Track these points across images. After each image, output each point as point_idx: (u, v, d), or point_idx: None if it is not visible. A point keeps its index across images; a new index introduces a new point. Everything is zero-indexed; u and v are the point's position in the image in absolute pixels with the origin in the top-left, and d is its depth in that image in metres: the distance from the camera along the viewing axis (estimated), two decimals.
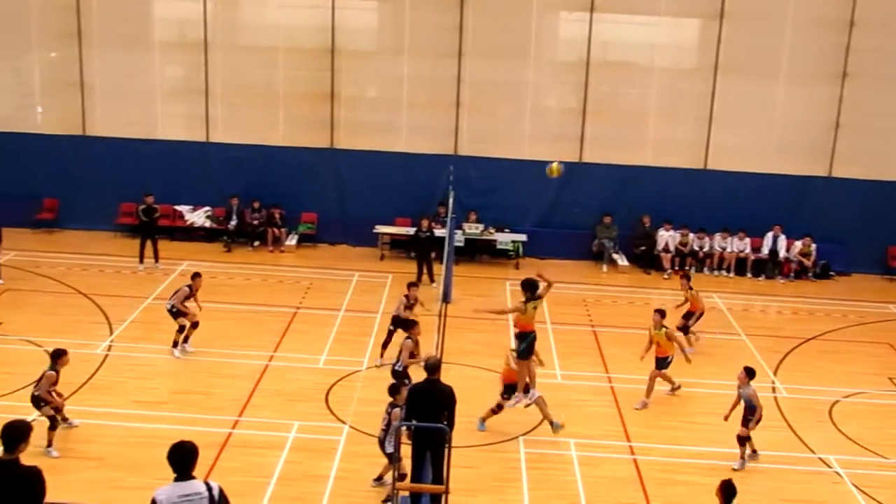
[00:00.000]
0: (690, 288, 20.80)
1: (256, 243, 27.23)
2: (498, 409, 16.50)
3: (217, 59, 27.55)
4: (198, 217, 27.78)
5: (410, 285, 19.64)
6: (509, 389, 16.51)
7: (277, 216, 27.26)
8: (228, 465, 14.69)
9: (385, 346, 19.18)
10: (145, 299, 22.31)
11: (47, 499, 9.34)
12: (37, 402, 15.09)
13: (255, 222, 27.26)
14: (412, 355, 16.64)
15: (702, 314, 20.71)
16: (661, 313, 17.93)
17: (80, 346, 19.27)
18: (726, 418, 16.02)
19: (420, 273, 24.63)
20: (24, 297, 22.46)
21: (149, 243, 24.83)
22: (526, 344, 16.26)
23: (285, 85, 27.71)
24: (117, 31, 27.58)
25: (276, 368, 18.83)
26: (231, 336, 20.30)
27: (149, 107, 28.12)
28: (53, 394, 15.22)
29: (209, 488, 8.88)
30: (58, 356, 15.27)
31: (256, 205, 27.24)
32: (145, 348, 19.52)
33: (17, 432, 9.27)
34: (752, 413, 15.55)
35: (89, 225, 27.85)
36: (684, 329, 20.49)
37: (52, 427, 15.04)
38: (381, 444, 14.14)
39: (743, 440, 15.68)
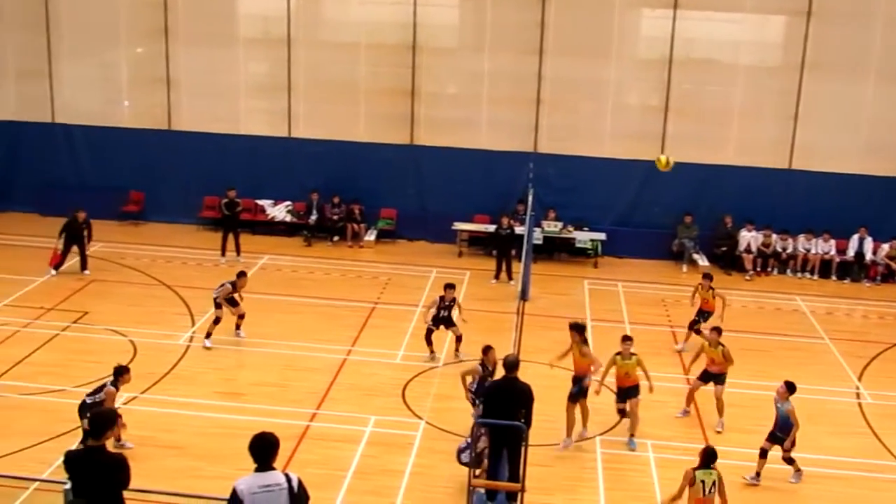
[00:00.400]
0: (711, 288, 20.44)
1: (336, 238, 27.45)
2: (620, 413, 16.49)
3: (300, 55, 27.83)
4: (279, 211, 28.09)
5: (447, 287, 19.64)
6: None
7: (357, 212, 27.45)
8: (306, 458, 14.86)
9: (429, 342, 19.33)
10: None
11: (130, 485, 9.57)
12: (84, 410, 14.42)
13: (335, 217, 27.48)
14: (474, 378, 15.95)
15: (710, 314, 20.38)
16: (719, 331, 17.24)
17: (163, 337, 19.71)
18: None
19: (499, 270, 24.65)
20: (109, 287, 22.95)
21: (231, 237, 25.24)
22: (579, 388, 16.06)
23: (366, 81, 27.88)
24: (203, 27, 28.05)
25: (354, 363, 19.00)
26: (310, 330, 20.51)
27: (232, 102, 28.51)
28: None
29: (288, 479, 8.98)
30: (120, 373, 14.80)
31: (336, 200, 27.47)
32: (226, 340, 19.81)
33: (104, 420, 9.51)
34: (783, 432, 14.81)
35: (173, 218, 28.37)
36: (692, 325, 20.35)
37: None
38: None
39: (764, 453, 15.09)
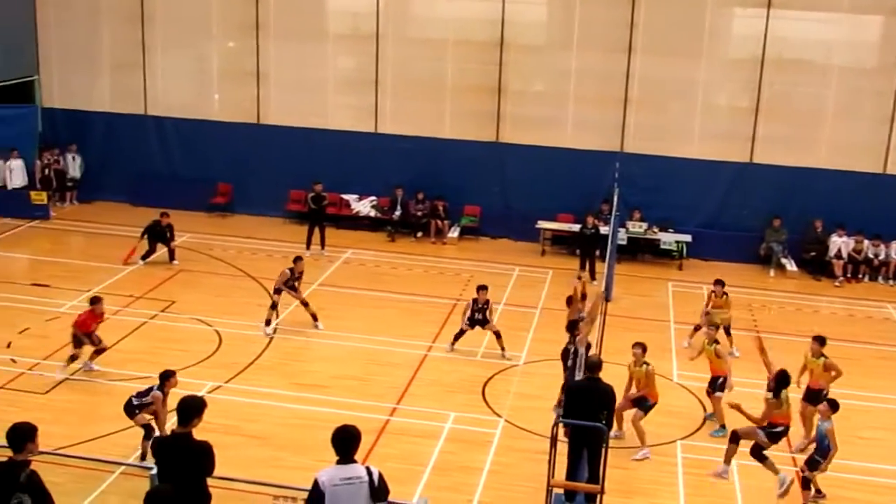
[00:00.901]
0: (725, 294, 19.96)
1: (419, 234, 27.59)
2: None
3: (387, 51, 27.99)
4: (363, 206, 28.29)
5: (480, 288, 19.62)
6: (713, 382, 16.76)
7: (441, 208, 27.53)
8: (386, 452, 14.97)
9: (455, 339, 19.50)
10: (311, 285, 22.82)
11: (214, 473, 9.75)
12: (131, 410, 14.61)
13: (419, 213, 27.61)
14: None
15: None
16: (821, 341, 16.53)
17: (248, 328, 20.02)
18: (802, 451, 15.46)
19: (582, 269, 24.53)
20: (196, 278, 23.37)
21: (316, 230, 25.51)
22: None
23: (453, 78, 27.93)
24: (293, 22, 28.36)
25: (435, 359, 19.08)
26: (391, 325, 20.64)
27: (321, 97, 28.79)
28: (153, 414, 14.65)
29: (369, 473, 9.06)
30: (167, 377, 14.59)
31: (421, 196, 27.59)
32: (309, 332, 20.07)
33: (192, 407, 9.69)
34: (822, 454, 14.03)
35: (260, 210, 28.77)
36: (697, 328, 19.91)
37: (147, 437, 14.35)
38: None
39: (807, 483, 14.30)
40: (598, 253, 24.51)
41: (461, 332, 19.38)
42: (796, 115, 26.73)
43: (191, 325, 20.07)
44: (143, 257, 23.87)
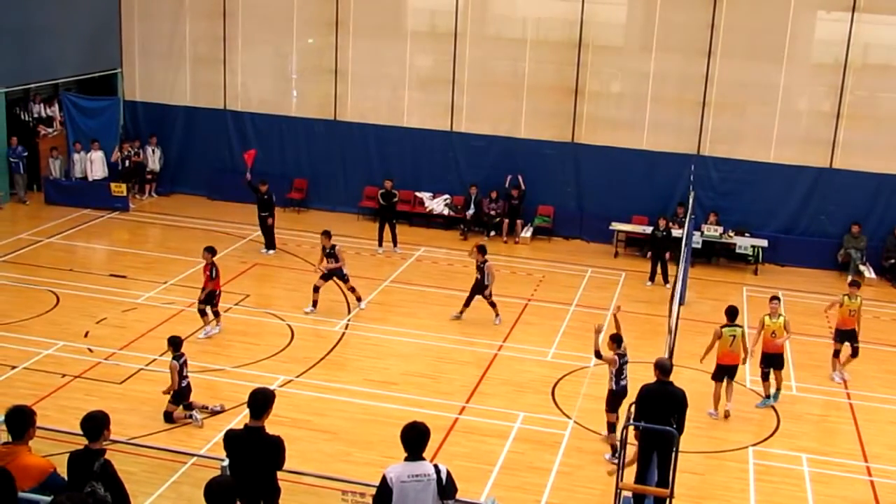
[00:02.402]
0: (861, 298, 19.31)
1: (492, 233, 27.55)
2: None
3: (465, 49, 28.00)
4: (437, 204, 28.32)
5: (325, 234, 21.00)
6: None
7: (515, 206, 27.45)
8: (454, 450, 14.99)
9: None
10: (383, 282, 23.03)
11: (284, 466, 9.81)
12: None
13: (493, 212, 27.57)
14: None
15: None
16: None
17: (320, 323, 20.19)
18: None
19: (653, 272, 24.32)
20: (271, 272, 23.65)
21: (387, 227, 25.60)
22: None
23: (530, 77, 27.83)
24: (372, 20, 28.53)
25: (505, 358, 19.04)
26: (462, 323, 20.65)
27: (397, 94, 28.93)
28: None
29: (437, 470, 9.05)
30: (177, 346, 15.84)
31: (494, 195, 27.54)
32: (380, 329, 20.16)
33: (264, 400, 9.75)
34: None
35: (334, 206, 29.01)
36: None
37: (175, 401, 15.77)
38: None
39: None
40: (669, 255, 24.26)
41: (316, 288, 20.75)
42: (879, 121, 26.24)
43: (264, 318, 20.29)
44: (267, 246, 24.85)
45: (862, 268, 25.63)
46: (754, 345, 17.54)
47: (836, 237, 26.13)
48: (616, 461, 13.77)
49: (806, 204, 26.45)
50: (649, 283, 24.25)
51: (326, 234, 20.99)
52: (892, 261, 25.55)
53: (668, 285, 23.77)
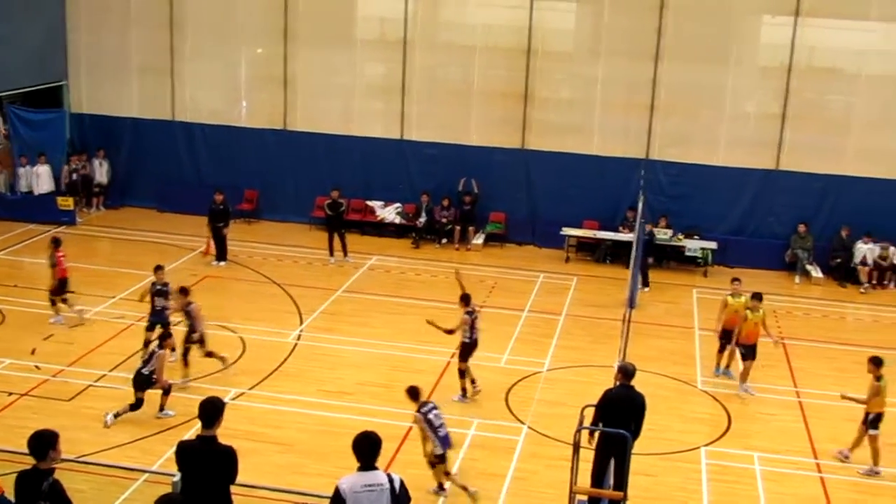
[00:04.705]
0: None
1: (444, 241, 27.59)
2: None
3: (415, 57, 28.02)
4: (388, 213, 28.33)
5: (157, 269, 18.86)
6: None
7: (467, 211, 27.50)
8: (408, 459, 14.92)
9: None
10: (335, 291, 22.98)
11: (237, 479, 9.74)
12: (141, 382, 15.98)
13: (444, 220, 27.60)
14: None
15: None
16: (877, 362, 15.64)
17: (272, 334, 20.07)
18: None
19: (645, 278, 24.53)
20: (222, 283, 23.54)
21: (336, 237, 25.52)
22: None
23: (480, 84, 27.92)
24: (321, 29, 28.43)
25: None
26: (416, 331, 20.55)
27: (347, 103, 28.86)
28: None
29: (391, 480, 9.05)
30: (165, 338, 16.41)
31: (446, 202, 27.58)
32: (333, 339, 20.10)
33: (215, 408, 9.66)
34: None
35: (286, 216, 28.91)
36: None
37: (168, 392, 16.25)
38: None
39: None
40: (651, 260, 24.66)
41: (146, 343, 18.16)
42: (825, 123, 26.66)
43: (215, 331, 20.03)
44: (218, 257, 24.61)
45: (809, 267, 26.00)
46: (718, 324, 18.88)
47: (784, 238, 26.47)
48: (466, 400, 17.31)
49: (754, 206, 26.78)
50: (646, 288, 24.43)
51: (159, 269, 18.73)
52: (839, 260, 25.93)
53: (646, 289, 24.05)
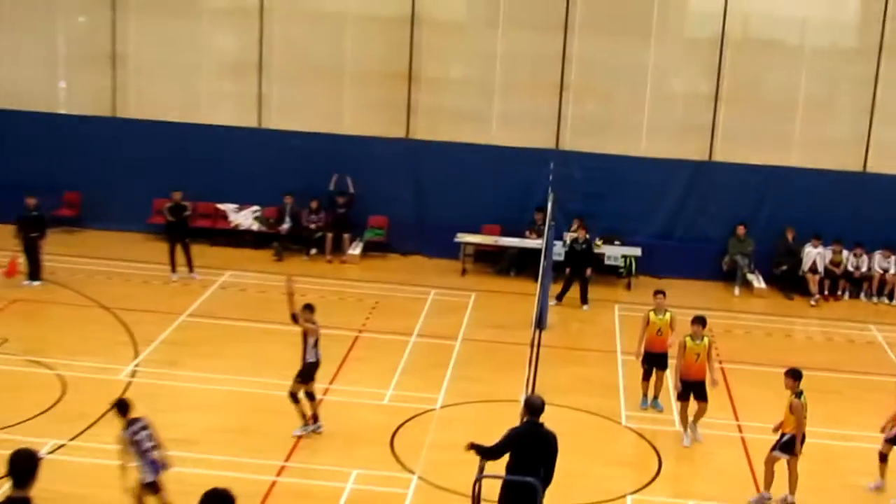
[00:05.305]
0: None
1: (313, 251, 27.37)
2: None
3: (274, 29, 27.90)
4: (244, 218, 28.07)
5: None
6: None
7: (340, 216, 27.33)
8: None
9: None
10: (178, 315, 22.51)
11: None
12: None
13: (313, 226, 27.34)
14: None
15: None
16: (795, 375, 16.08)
17: (99, 371, 19.48)
18: None
19: (564, 291, 24.84)
20: (35, 308, 22.94)
21: (179, 248, 25.08)
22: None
23: (354, 61, 27.93)
24: None
25: (332, 404, 18.70)
26: (279, 363, 20.08)
27: (192, 85, 28.62)
28: None
29: None
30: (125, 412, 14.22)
31: (315, 205, 27.35)
32: (176, 375, 19.63)
33: (28, 464, 9.23)
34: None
35: (116, 225, 28.36)
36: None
37: None
38: None
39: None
40: (590, 272, 24.81)
41: None
42: (764, 105, 27.21)
43: (26, 367, 19.47)
44: (31, 276, 23.93)
45: (750, 276, 26.39)
46: (639, 345, 18.93)
47: (720, 242, 26.86)
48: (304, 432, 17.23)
49: (684, 204, 27.16)
50: (555, 301, 24.36)
51: None
52: (784, 267, 26.37)
53: (585, 307, 24.08)
